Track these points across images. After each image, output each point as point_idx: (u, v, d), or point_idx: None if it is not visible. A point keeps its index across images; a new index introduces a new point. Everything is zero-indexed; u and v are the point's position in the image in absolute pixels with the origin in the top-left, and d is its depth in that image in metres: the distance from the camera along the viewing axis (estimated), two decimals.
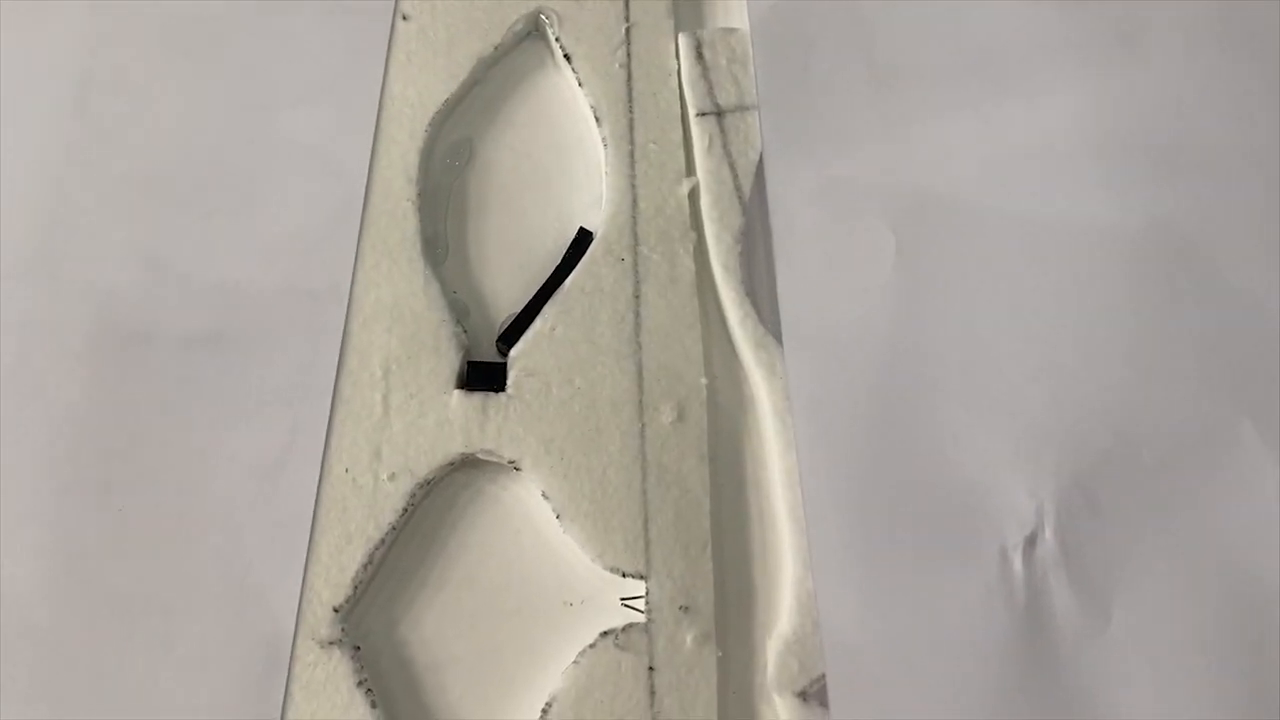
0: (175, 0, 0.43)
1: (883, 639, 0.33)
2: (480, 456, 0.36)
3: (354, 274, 0.38)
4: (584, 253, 0.39)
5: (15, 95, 0.41)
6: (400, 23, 0.43)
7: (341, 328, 0.37)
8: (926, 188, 0.40)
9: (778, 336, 0.38)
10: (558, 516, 0.35)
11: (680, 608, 0.34)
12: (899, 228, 0.39)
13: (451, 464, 0.36)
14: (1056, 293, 0.38)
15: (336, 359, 0.37)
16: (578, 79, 0.42)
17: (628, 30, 0.43)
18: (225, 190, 0.39)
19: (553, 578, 0.35)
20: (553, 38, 0.43)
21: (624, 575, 0.34)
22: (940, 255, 0.39)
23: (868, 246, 0.39)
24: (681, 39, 0.43)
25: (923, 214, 0.39)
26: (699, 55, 0.43)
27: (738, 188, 0.40)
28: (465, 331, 0.38)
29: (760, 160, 0.41)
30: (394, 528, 0.34)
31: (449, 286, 0.39)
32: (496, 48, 0.43)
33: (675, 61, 0.43)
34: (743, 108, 0.42)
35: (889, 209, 0.39)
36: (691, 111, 0.42)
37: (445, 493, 0.36)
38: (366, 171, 0.40)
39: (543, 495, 0.35)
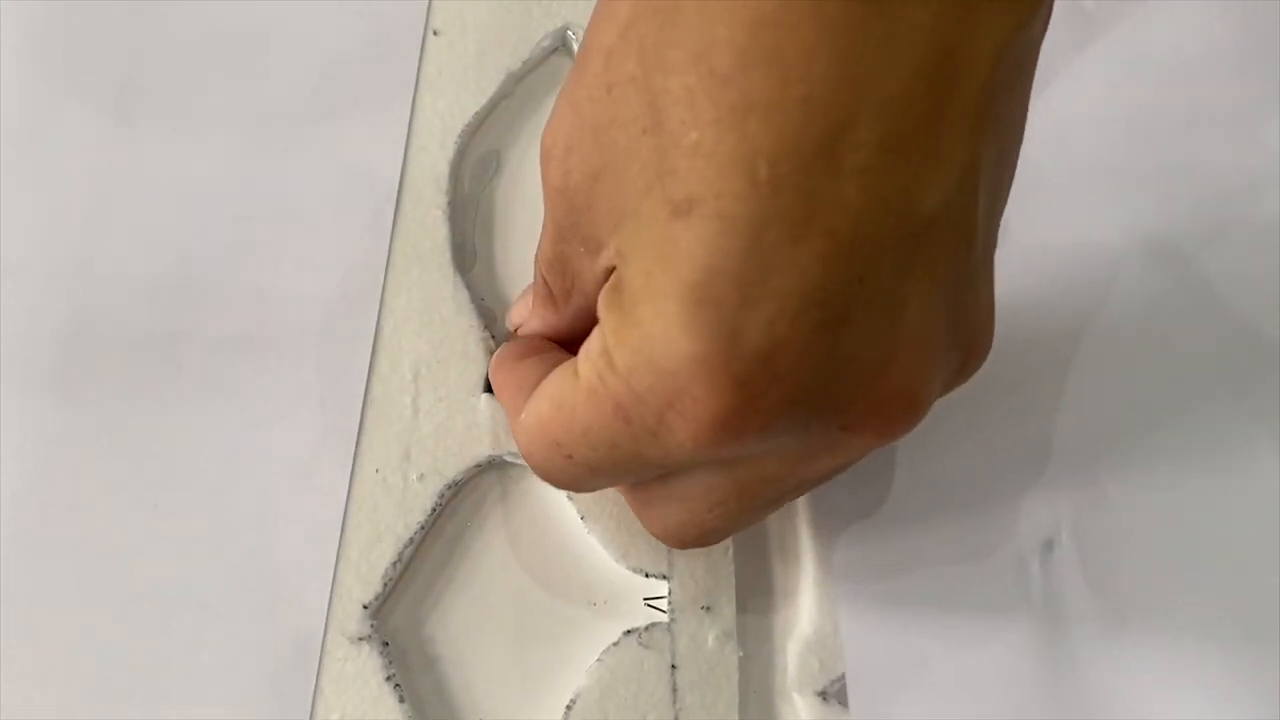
0: (215, 10, 0.44)
1: (900, 639, 0.34)
2: (507, 459, 0.37)
3: (385, 279, 0.39)
4: None
5: (58, 100, 0.42)
6: (431, 37, 0.44)
7: (373, 332, 0.38)
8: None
9: None
10: (582, 518, 0.36)
11: (702, 608, 0.35)
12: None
13: (479, 466, 0.36)
14: (1069, 292, 0.39)
15: (368, 362, 0.38)
16: None
17: None
18: (259, 197, 0.40)
19: (577, 578, 0.36)
20: None
21: (647, 576, 0.35)
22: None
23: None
24: None
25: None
26: None
27: None
28: (493, 337, 0.38)
29: None
30: (423, 527, 0.35)
31: (477, 293, 0.40)
32: (524, 63, 0.44)
33: None
34: None
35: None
36: None
37: (473, 494, 0.37)
38: (398, 180, 0.41)
39: (567, 497, 0.36)
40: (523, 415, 0.29)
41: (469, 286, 0.39)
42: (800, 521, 0.36)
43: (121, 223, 0.40)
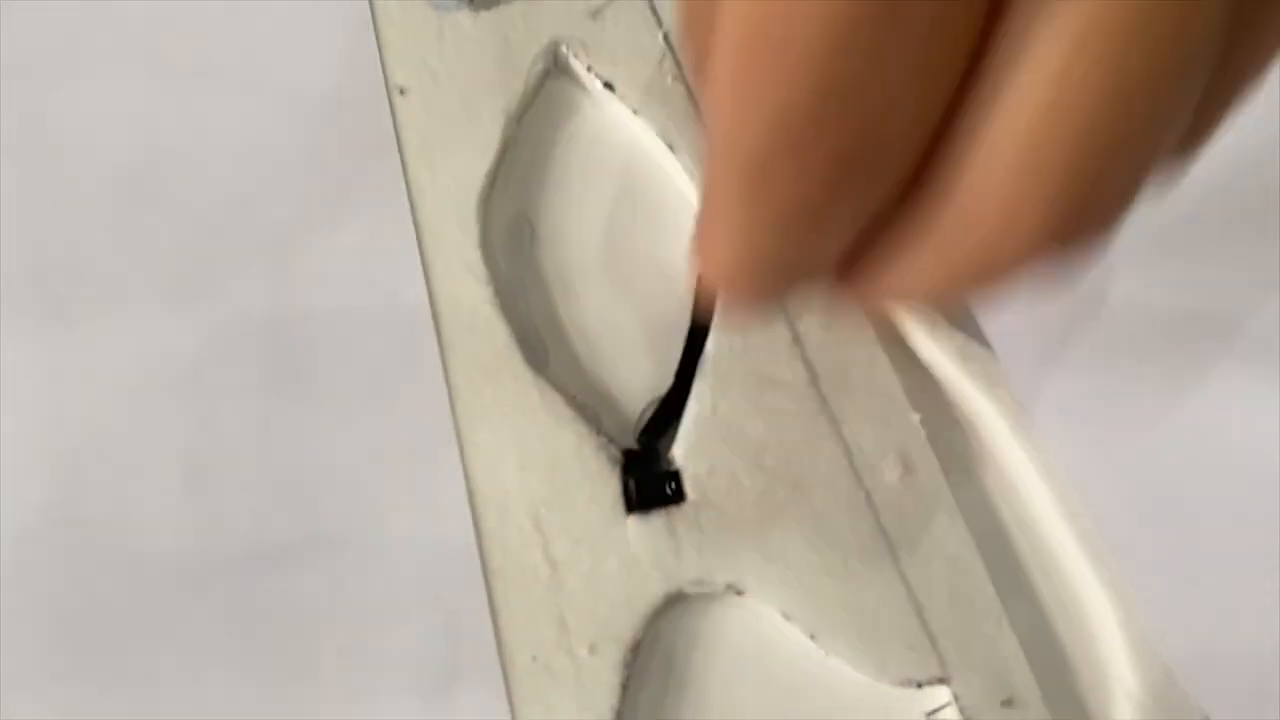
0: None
1: (1251, 657, 0.27)
2: (689, 590, 0.28)
3: (453, 411, 0.31)
4: (714, 305, 0.32)
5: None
6: (399, 99, 0.35)
7: (463, 486, 0.30)
8: None
9: (979, 338, 0.31)
10: (812, 637, 0.28)
11: (1002, 703, 0.27)
12: None
13: (657, 611, 0.28)
14: None
15: (470, 525, 0.29)
16: (630, 107, 0.35)
17: (665, 37, 0.36)
18: (287, 374, 0.32)
19: (830, 713, 0.28)
20: (583, 69, 0.36)
21: (919, 686, 0.27)
22: None
23: None
24: None
25: None
26: None
27: None
28: (611, 441, 0.30)
29: None
30: (618, 711, 0.27)
31: (568, 392, 0.31)
32: (521, 97, 0.35)
33: None
34: None
35: None
36: None
37: (660, 647, 0.29)
38: (426, 288, 0.32)
39: (783, 617, 0.28)
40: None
41: (555, 387, 0.31)
42: (1073, 556, 0.28)
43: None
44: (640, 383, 0.32)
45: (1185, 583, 0.28)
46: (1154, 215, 0.19)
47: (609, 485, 0.29)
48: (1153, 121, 0.15)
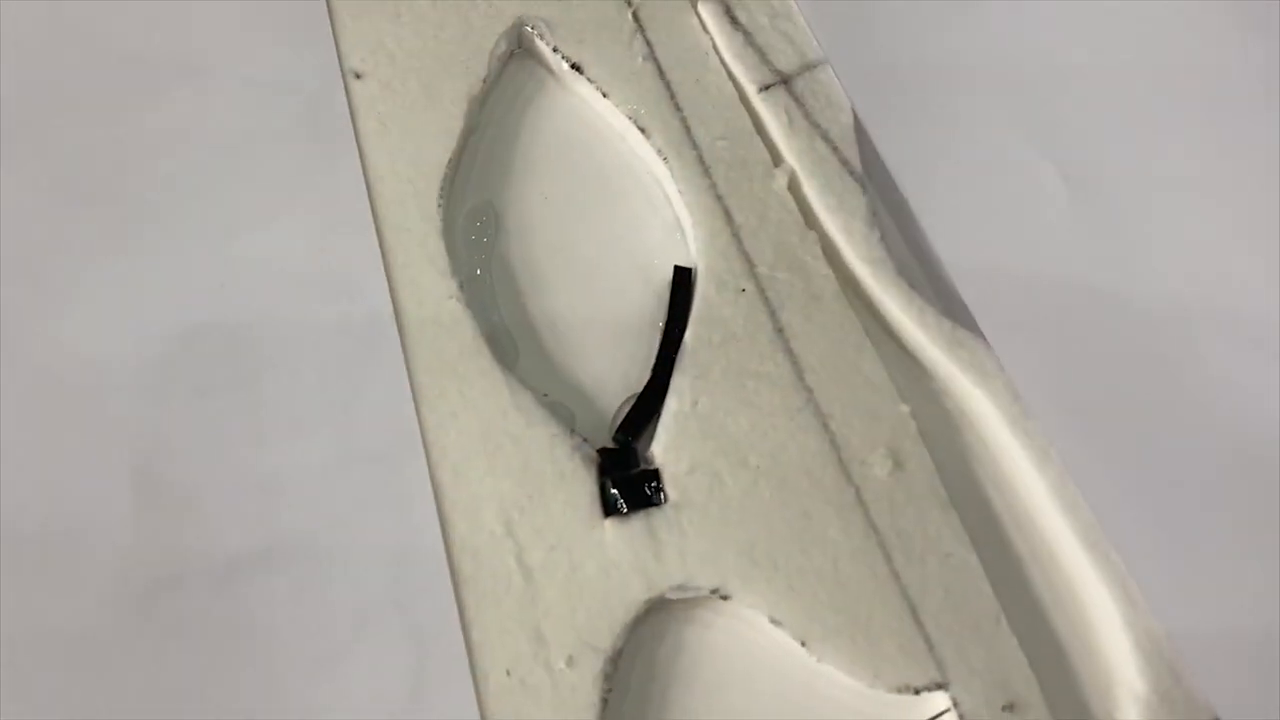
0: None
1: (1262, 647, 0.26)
2: (671, 596, 0.27)
3: (418, 412, 0.29)
4: (691, 296, 0.31)
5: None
6: (355, 83, 0.33)
7: (430, 491, 0.28)
8: (1067, 93, 0.32)
9: (972, 327, 0.30)
10: (802, 644, 0.26)
11: (1004, 708, 0.25)
12: (1055, 150, 0.31)
13: (638, 619, 0.27)
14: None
15: (438, 534, 0.27)
16: (598, 89, 0.33)
17: (635, 15, 0.35)
18: (239, 375, 0.30)
19: None
20: (548, 49, 0.34)
21: (917, 692, 0.26)
22: (1116, 169, 0.31)
23: (1028, 183, 0.31)
24: (703, 8, 0.34)
25: (1077, 126, 0.32)
26: (733, 20, 0.34)
27: (843, 160, 0.32)
28: (586, 440, 0.29)
29: (855, 119, 0.33)
30: None
31: (538, 390, 0.30)
32: (484, 81, 0.34)
33: (706, 36, 0.34)
34: (809, 66, 0.33)
35: (1034, 132, 0.32)
36: (750, 89, 0.33)
37: (642, 657, 0.27)
38: (385, 280, 0.30)
39: (771, 622, 0.26)
40: None
41: (526, 384, 0.29)
42: (1072, 551, 0.27)
43: None
44: (616, 378, 0.30)
45: (1184, 571, 0.27)
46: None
47: (584, 487, 0.28)
48: None
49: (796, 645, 0.26)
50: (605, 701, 0.26)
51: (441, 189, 0.32)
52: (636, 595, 0.27)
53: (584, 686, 0.26)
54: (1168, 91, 0.32)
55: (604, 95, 0.33)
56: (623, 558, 0.27)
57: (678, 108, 0.33)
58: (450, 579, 0.27)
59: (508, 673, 0.26)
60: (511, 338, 0.31)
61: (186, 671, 0.26)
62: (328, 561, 0.27)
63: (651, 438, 0.29)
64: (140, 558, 0.27)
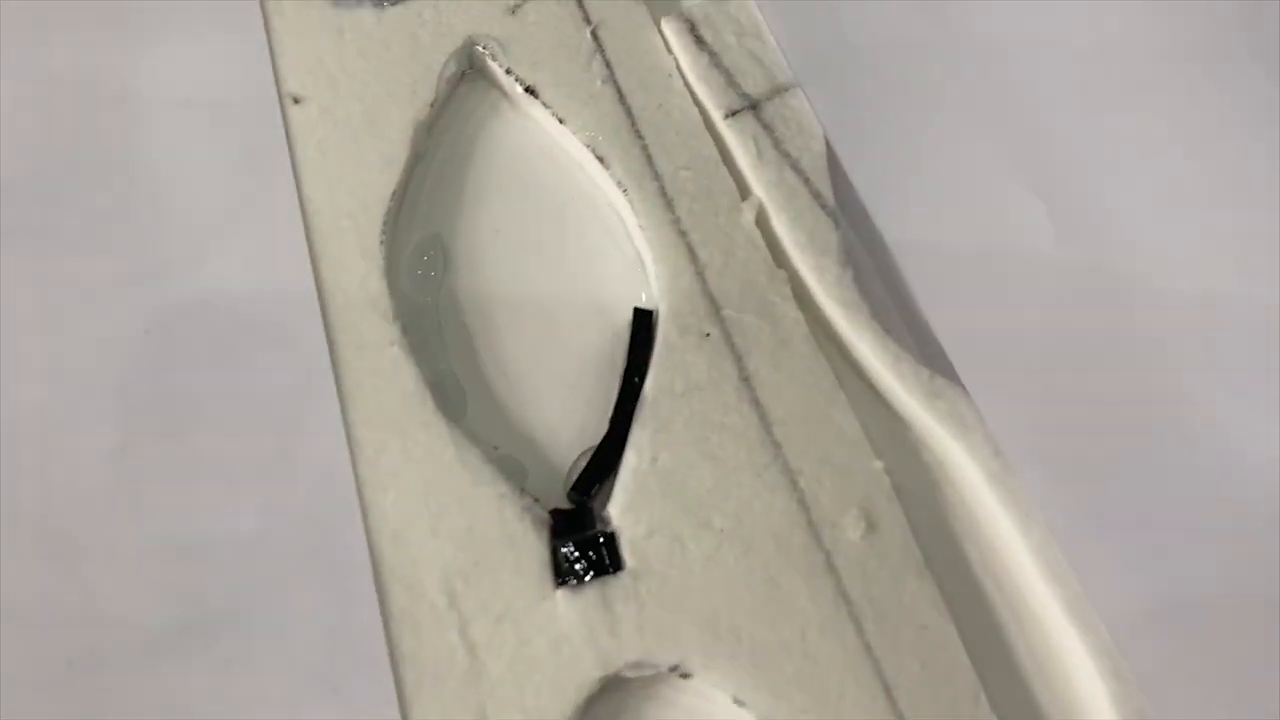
0: None
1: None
2: (628, 673, 0.25)
3: (355, 470, 0.27)
4: (653, 340, 0.28)
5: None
6: (293, 109, 0.31)
7: (366, 557, 0.26)
8: (1059, 123, 0.30)
9: (950, 374, 0.28)
10: None
11: None
12: (1042, 185, 0.29)
13: (591, 699, 0.25)
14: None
15: (375, 605, 0.25)
16: (554, 115, 0.31)
17: (594, 34, 0.32)
18: (160, 426, 0.27)
19: None
20: (501, 71, 0.32)
21: None
22: (1108, 206, 0.29)
23: (1013, 219, 0.29)
24: (666, 26, 0.32)
25: (1067, 159, 0.30)
26: (698, 40, 0.32)
27: (814, 193, 0.30)
28: (537, 501, 0.27)
29: (829, 148, 0.30)
30: None
31: (487, 444, 0.28)
32: (431, 105, 0.31)
33: (670, 56, 0.32)
34: (779, 90, 0.31)
35: (1021, 164, 0.30)
36: (716, 115, 0.31)
37: None
38: (321, 324, 0.28)
39: (735, 701, 0.24)
40: None
41: (472, 439, 0.27)
42: (1056, 621, 0.25)
43: None
44: (571, 429, 0.28)
45: (1177, 647, 0.25)
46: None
47: (535, 552, 0.26)
48: None
49: None
50: None
51: (385, 223, 0.30)
52: (590, 673, 0.25)
53: None
54: (1166, 118, 0.31)
55: (560, 121, 0.31)
56: (575, 631, 0.25)
57: (639, 134, 0.31)
58: (388, 656, 0.25)
59: None
60: (459, 385, 0.29)
61: None
62: (256, 638, 0.25)
63: (608, 497, 0.27)
64: (55, 628, 0.25)
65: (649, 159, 0.31)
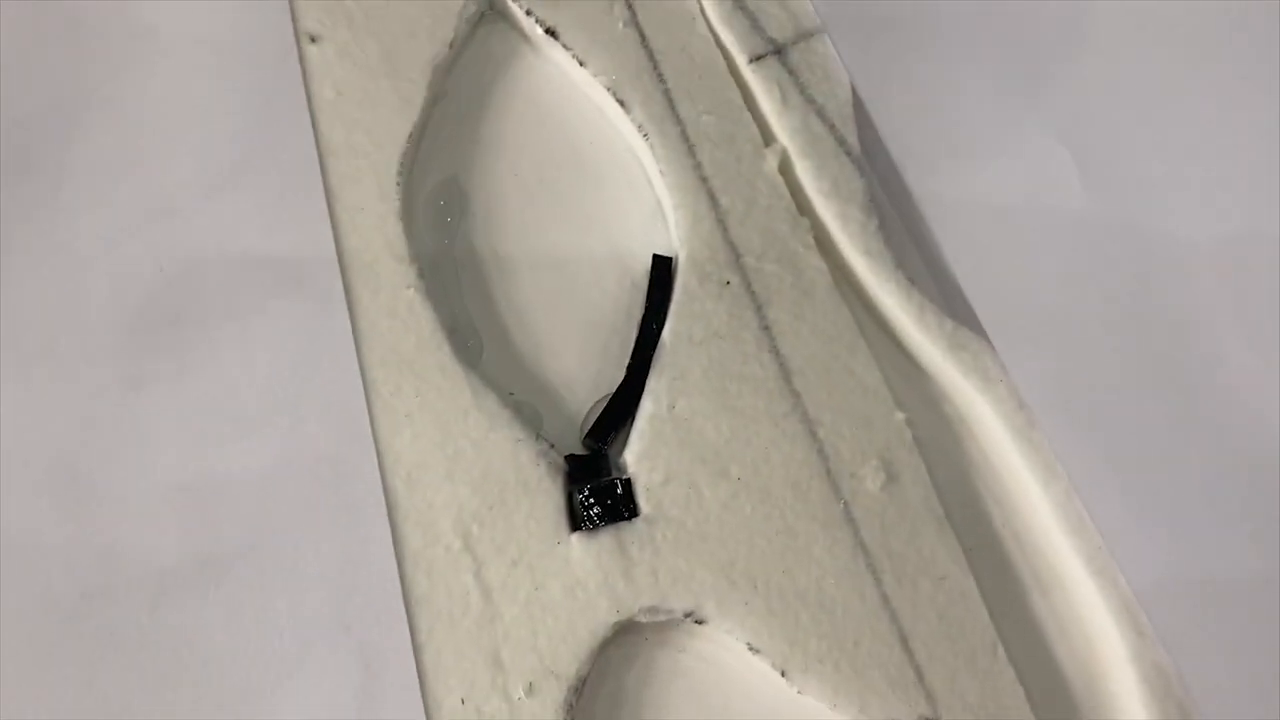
0: None
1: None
2: (641, 619, 0.25)
3: (370, 410, 0.26)
4: (671, 288, 0.28)
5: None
6: (310, 48, 0.31)
7: (381, 498, 0.26)
8: (1087, 71, 0.29)
9: (974, 326, 0.27)
10: (782, 673, 0.24)
11: None
12: (1071, 135, 0.29)
13: (605, 643, 0.25)
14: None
15: (389, 544, 0.25)
16: (575, 57, 0.31)
17: None
18: (175, 365, 0.27)
19: None
20: (521, 12, 0.31)
21: None
22: (1135, 156, 0.29)
23: (1040, 170, 0.29)
24: None
25: (1095, 108, 0.29)
26: None
27: (839, 140, 0.29)
28: (553, 446, 0.26)
29: (854, 95, 0.30)
30: None
31: (502, 388, 0.27)
32: (450, 45, 0.31)
33: (694, 0, 0.32)
34: (805, 35, 0.31)
35: (1050, 114, 0.29)
36: (740, 59, 0.30)
37: (609, 684, 0.25)
38: (337, 265, 0.28)
39: (749, 649, 0.24)
40: None
41: (489, 383, 0.27)
42: (1076, 574, 0.25)
43: None
44: (587, 377, 0.28)
45: (1195, 600, 0.25)
46: None
47: (550, 498, 0.26)
48: None
49: (776, 675, 0.24)
50: None
51: (401, 165, 0.29)
52: (604, 617, 0.24)
53: (545, 716, 0.24)
54: (1195, 67, 0.30)
55: (581, 63, 0.31)
56: (590, 576, 0.25)
57: (661, 78, 0.30)
58: (402, 597, 0.25)
59: (462, 701, 0.24)
60: (475, 330, 0.28)
61: (116, 691, 0.24)
62: (269, 576, 0.25)
63: (624, 444, 0.26)
64: (67, 565, 0.25)
65: (671, 103, 0.30)
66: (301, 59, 0.30)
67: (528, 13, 0.31)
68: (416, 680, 0.24)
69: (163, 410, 0.27)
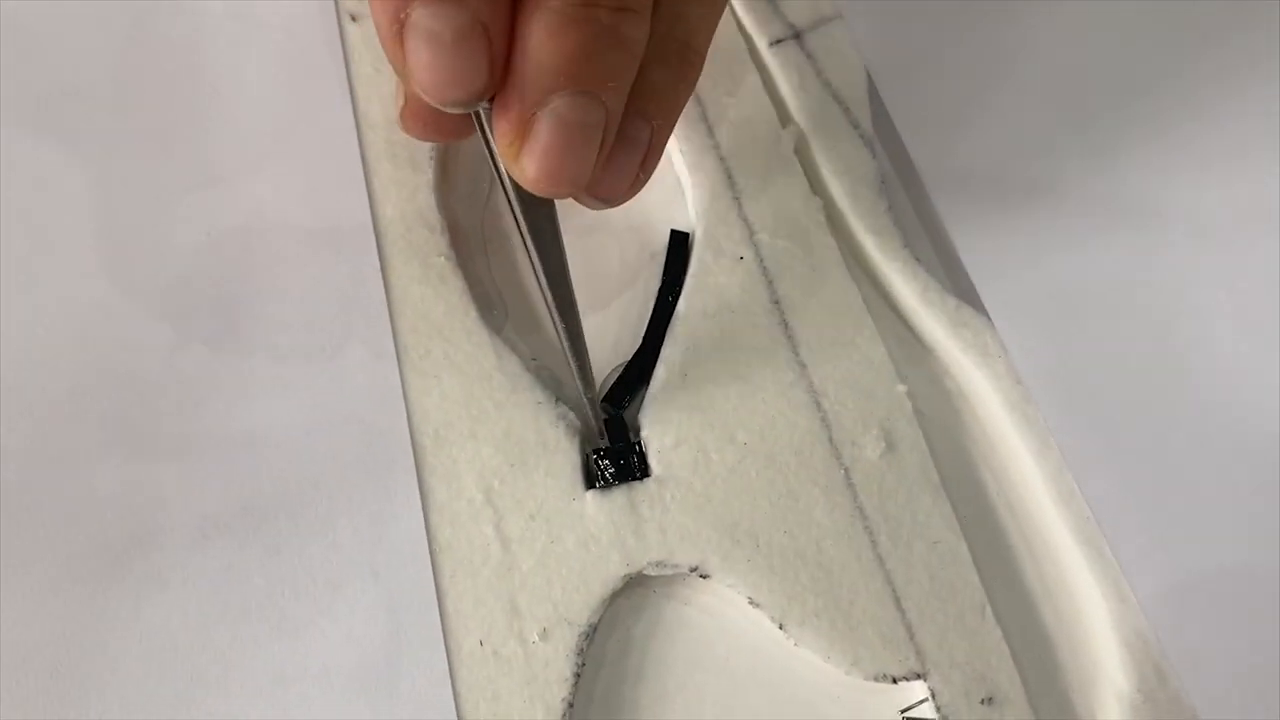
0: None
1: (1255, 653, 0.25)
2: (650, 572, 0.26)
3: (400, 370, 0.28)
4: (687, 262, 0.30)
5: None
6: (350, 26, 0.32)
7: (410, 456, 0.27)
8: (1099, 67, 0.30)
9: (976, 304, 0.28)
10: (780, 626, 0.26)
11: (982, 701, 0.25)
12: (1080, 130, 0.30)
13: (615, 593, 0.26)
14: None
15: (417, 498, 0.27)
16: None
17: None
18: (218, 326, 0.29)
19: (796, 708, 0.26)
20: None
21: (894, 681, 0.25)
22: (1139, 147, 0.29)
23: (1047, 160, 0.29)
24: None
25: (1105, 104, 0.30)
26: None
27: (853, 123, 0.30)
28: (571, 409, 0.28)
29: (870, 81, 0.31)
30: (568, 703, 0.25)
31: (524, 355, 0.29)
32: None
33: None
34: (824, 20, 0.32)
35: (1059, 107, 0.30)
36: (761, 43, 0.32)
37: (617, 633, 0.27)
38: (373, 234, 0.30)
39: (750, 603, 0.26)
40: None
41: (513, 348, 0.29)
42: (1066, 543, 0.26)
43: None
44: (605, 344, 0.29)
45: (1178, 573, 0.26)
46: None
47: (567, 458, 0.27)
48: None
49: (775, 627, 0.26)
50: (578, 676, 0.25)
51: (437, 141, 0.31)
52: (614, 570, 0.26)
53: (557, 660, 0.25)
54: (1204, 53, 0.31)
55: None
56: (603, 531, 0.27)
57: None
58: (427, 545, 0.26)
59: (481, 643, 0.26)
60: (501, 299, 0.30)
61: (160, 627, 0.26)
62: (304, 524, 0.27)
63: (639, 408, 0.28)
64: (120, 512, 0.27)
65: None
66: (343, 37, 0.32)
67: None
68: (439, 623, 0.26)
69: (208, 368, 0.28)
